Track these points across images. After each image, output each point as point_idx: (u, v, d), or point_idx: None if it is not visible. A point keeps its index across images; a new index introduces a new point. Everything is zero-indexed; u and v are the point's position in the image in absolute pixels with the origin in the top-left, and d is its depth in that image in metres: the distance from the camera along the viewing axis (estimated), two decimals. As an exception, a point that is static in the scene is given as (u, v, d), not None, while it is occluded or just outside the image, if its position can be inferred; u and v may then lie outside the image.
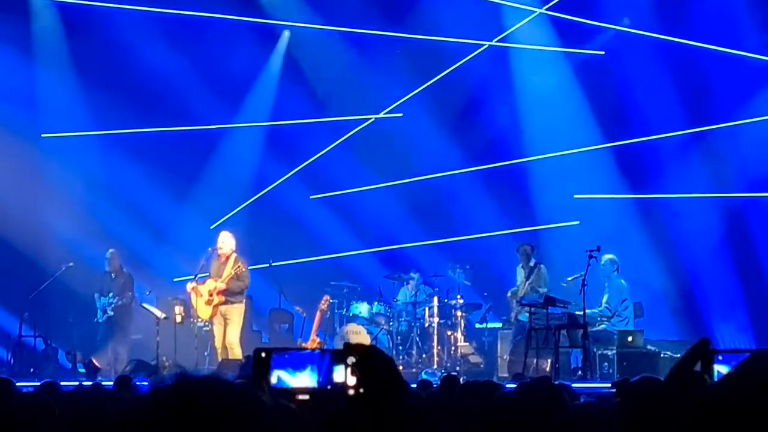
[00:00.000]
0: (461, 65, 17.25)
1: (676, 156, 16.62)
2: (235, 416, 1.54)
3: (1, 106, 16.52)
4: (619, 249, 14.77)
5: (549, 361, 13.20)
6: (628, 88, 16.43)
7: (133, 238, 16.45)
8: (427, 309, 15.51)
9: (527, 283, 14.41)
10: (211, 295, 13.95)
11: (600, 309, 14.11)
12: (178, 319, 14.96)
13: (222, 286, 13.95)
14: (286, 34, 17.67)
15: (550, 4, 16.82)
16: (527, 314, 13.52)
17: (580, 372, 13.13)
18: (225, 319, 13.99)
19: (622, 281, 14.28)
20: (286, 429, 2.31)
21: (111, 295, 15.13)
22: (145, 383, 7.91)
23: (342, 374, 2.46)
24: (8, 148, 16.39)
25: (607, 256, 14.04)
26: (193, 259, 14.90)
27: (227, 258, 14.11)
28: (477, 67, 17.20)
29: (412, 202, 17.32)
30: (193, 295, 14.20)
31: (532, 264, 14.53)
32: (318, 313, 14.70)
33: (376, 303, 15.67)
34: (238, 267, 13.99)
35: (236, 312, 14.06)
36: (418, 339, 15.39)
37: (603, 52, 16.84)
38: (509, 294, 14.80)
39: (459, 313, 15.45)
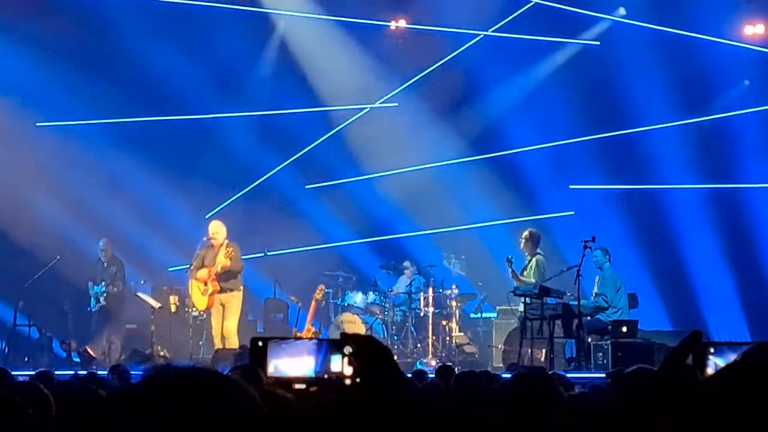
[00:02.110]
0: (457, 55, 17.23)
1: (671, 146, 16.62)
2: (219, 408, 1.53)
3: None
4: (614, 239, 14.75)
5: (543, 351, 13.19)
6: (624, 79, 16.41)
7: (128, 228, 16.42)
8: (422, 299, 15.51)
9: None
10: (205, 284, 13.88)
11: (595, 300, 14.07)
12: (173, 308, 14.94)
13: (217, 269, 13.81)
14: (282, 22, 17.64)
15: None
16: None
17: (574, 362, 13.14)
18: (223, 308, 13.90)
19: (613, 272, 14.24)
20: (283, 419, 2.31)
21: (103, 283, 15.12)
22: (139, 372, 7.91)
23: (339, 364, 2.46)
24: (2, 136, 16.35)
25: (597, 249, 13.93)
26: (188, 249, 14.87)
27: (219, 246, 14.04)
28: (472, 56, 17.17)
29: (408, 192, 17.30)
30: (190, 287, 14.15)
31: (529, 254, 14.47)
32: (313, 303, 14.68)
33: (371, 293, 15.67)
34: (230, 251, 13.87)
35: (235, 301, 13.98)
36: (413, 329, 15.39)
37: (599, 42, 16.83)
38: None
39: (454, 303, 15.46)
